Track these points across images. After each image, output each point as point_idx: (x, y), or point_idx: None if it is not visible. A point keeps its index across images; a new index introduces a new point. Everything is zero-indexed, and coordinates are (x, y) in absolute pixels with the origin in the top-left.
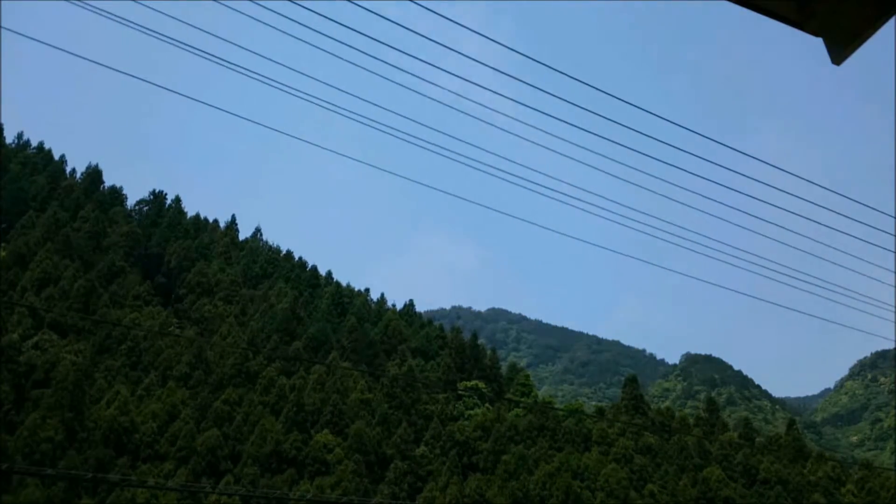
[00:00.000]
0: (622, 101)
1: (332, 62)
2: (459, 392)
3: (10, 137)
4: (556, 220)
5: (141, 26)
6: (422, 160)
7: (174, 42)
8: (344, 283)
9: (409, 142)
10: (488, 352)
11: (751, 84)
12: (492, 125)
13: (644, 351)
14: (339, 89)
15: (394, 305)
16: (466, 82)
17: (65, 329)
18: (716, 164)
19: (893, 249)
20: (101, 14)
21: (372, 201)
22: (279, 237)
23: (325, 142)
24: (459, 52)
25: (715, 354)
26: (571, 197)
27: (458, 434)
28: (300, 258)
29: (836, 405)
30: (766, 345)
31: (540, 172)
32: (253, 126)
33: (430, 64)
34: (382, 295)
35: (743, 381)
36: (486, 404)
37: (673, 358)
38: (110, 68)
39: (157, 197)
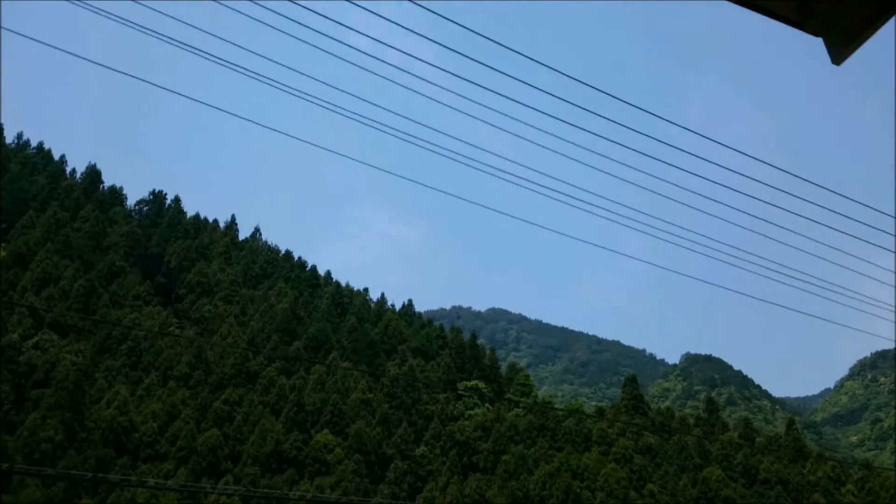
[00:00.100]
0: (626, 102)
1: (332, 62)
2: (459, 392)
3: (10, 137)
4: (554, 220)
5: (141, 26)
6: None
7: (174, 42)
8: (340, 281)
9: (409, 141)
10: (488, 352)
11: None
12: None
13: (644, 351)
14: (339, 90)
15: (393, 305)
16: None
17: (65, 329)
18: (715, 163)
19: (893, 249)
20: (100, 14)
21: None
22: (279, 237)
23: (326, 142)
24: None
25: (715, 354)
26: (564, 194)
27: (458, 434)
28: (300, 258)
29: (836, 405)
30: (766, 345)
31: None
32: (253, 126)
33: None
34: (382, 295)
35: (743, 381)
36: (486, 404)
37: (673, 358)
38: (110, 68)
39: (157, 197)
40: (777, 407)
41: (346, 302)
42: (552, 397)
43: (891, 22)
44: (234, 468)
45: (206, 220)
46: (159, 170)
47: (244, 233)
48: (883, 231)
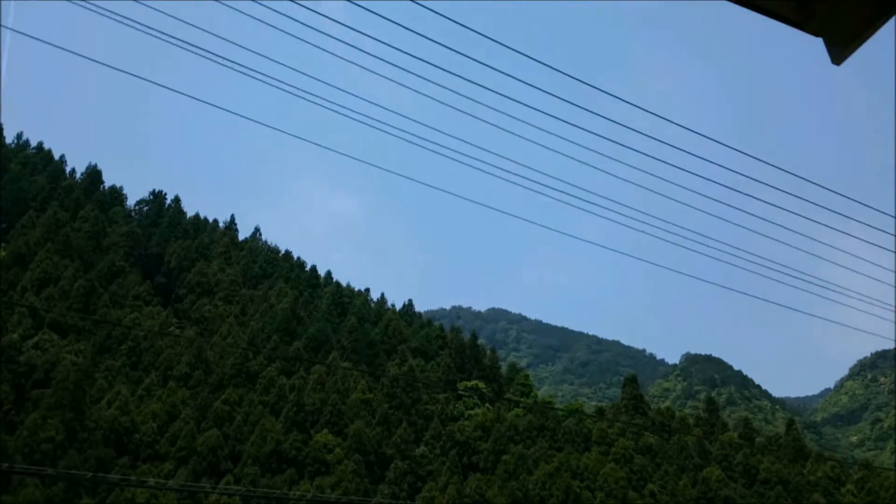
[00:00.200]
0: (627, 101)
1: (332, 62)
2: (459, 392)
3: (10, 137)
4: (559, 221)
5: (141, 26)
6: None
7: (174, 41)
8: (344, 283)
9: (407, 140)
10: (488, 352)
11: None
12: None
13: (644, 351)
14: (339, 89)
15: (393, 305)
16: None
17: (65, 329)
18: (715, 163)
19: (893, 249)
20: (101, 13)
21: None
22: (279, 237)
23: (327, 142)
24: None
25: (715, 354)
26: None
27: (458, 434)
28: (299, 258)
29: (836, 405)
30: (767, 345)
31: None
32: (253, 126)
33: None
34: (382, 295)
35: (743, 381)
36: (486, 404)
37: (673, 358)
38: (110, 67)
39: (157, 197)
40: (777, 407)
41: (346, 302)
42: (552, 397)
43: (891, 22)
44: (234, 468)
45: (205, 220)
46: (159, 170)
47: (244, 233)
48: (883, 231)
